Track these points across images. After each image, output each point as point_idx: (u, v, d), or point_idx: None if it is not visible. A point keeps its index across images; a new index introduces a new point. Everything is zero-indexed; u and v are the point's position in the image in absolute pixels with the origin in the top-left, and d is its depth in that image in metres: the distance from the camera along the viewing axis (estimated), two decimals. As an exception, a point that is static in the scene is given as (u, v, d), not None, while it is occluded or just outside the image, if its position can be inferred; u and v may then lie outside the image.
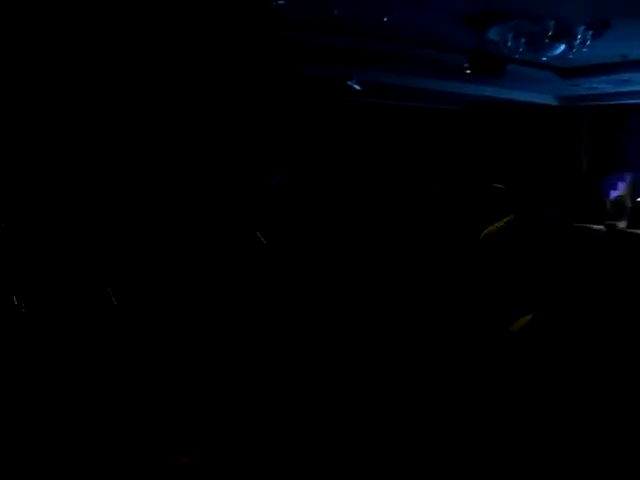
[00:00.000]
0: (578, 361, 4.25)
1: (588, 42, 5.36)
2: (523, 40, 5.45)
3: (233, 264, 5.94)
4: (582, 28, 5.23)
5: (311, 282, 5.74)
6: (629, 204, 8.18)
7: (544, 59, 6.02)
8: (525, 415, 3.74)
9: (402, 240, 6.87)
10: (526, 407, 3.81)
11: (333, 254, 6.41)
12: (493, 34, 5.48)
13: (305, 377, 4.21)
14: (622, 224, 7.86)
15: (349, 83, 6.61)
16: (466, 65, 5.93)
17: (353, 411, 3.85)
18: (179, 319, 4.92)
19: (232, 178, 6.83)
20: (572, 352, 4.36)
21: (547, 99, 8.45)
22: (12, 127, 5.82)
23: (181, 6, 4.82)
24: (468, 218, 7.41)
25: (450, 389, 4.09)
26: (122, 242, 5.80)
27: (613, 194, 8.37)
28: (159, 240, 5.97)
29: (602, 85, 7.29)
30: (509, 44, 5.49)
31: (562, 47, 5.37)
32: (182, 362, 4.30)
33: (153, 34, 5.29)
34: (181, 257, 5.85)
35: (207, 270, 5.76)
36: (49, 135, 6.03)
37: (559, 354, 4.36)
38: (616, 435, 3.50)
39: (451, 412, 3.86)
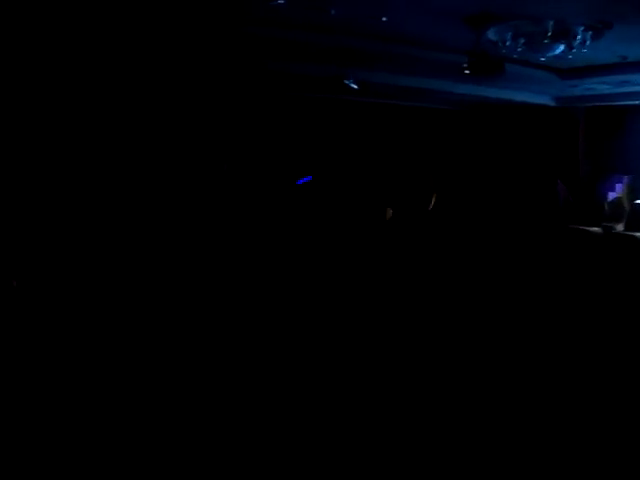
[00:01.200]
0: (576, 363, 4.23)
1: (588, 43, 5.33)
2: (522, 40, 5.43)
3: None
4: (581, 29, 5.20)
5: (312, 281, 5.70)
6: (627, 206, 8.14)
7: (543, 59, 5.99)
8: (522, 413, 3.73)
9: (400, 239, 6.84)
10: (523, 405, 3.80)
11: (330, 253, 6.37)
12: (492, 34, 5.46)
13: (305, 377, 4.17)
14: (620, 226, 7.82)
15: (346, 82, 6.58)
16: (465, 65, 5.89)
17: (353, 411, 3.82)
18: (179, 314, 4.87)
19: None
20: (569, 354, 4.34)
21: (545, 99, 8.43)
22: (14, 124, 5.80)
23: (180, 5, 4.79)
24: (466, 217, 7.38)
25: (446, 384, 4.08)
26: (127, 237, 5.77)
27: (611, 196, 8.33)
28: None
29: (601, 86, 7.26)
30: (508, 44, 5.46)
31: (561, 48, 5.34)
32: (181, 361, 4.25)
33: (152, 35, 5.26)
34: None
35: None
36: (51, 133, 6.01)
37: (557, 355, 4.35)
38: (612, 434, 3.50)
39: (447, 407, 3.85)
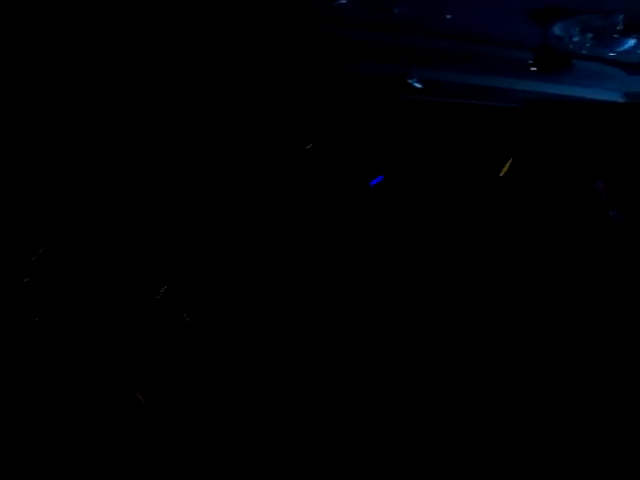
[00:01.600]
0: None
1: (659, 36, 5.19)
2: (590, 35, 5.33)
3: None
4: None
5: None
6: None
7: (612, 55, 5.86)
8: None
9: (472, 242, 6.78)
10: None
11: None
12: (558, 29, 5.37)
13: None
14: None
15: (410, 81, 6.57)
16: (531, 62, 5.82)
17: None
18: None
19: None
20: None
21: (613, 96, 8.21)
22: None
23: (242, 5, 4.88)
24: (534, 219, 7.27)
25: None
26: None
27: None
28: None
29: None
30: (575, 39, 5.37)
31: (632, 42, 5.22)
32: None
33: (219, 37, 5.36)
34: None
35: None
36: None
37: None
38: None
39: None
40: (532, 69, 5.83)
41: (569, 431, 3.71)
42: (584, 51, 5.67)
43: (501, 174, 7.23)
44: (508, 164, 7.31)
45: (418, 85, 6.55)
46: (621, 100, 8.43)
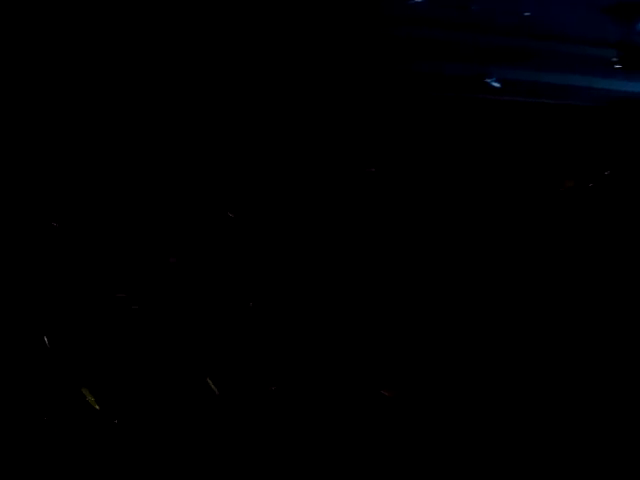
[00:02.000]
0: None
1: None
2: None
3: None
4: None
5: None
6: None
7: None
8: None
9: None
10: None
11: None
12: (644, 25, 5.17)
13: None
14: None
15: (488, 81, 6.48)
16: (615, 59, 5.62)
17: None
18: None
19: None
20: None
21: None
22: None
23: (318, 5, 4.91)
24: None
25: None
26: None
27: None
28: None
29: None
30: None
31: None
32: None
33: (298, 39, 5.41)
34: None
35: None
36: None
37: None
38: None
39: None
40: (616, 67, 5.63)
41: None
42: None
43: (564, 188, 7.01)
44: (571, 181, 7.09)
45: (496, 84, 6.44)
46: None
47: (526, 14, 4.69)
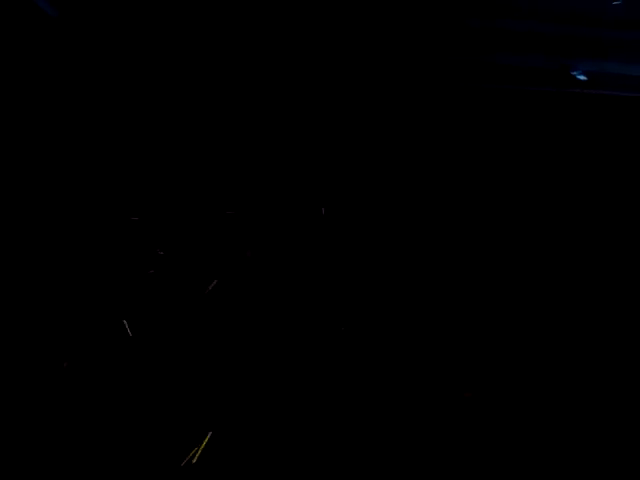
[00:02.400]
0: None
1: None
2: None
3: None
4: None
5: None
6: None
7: None
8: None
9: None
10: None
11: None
12: None
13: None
14: None
15: (573, 74, 6.27)
16: None
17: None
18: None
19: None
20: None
21: None
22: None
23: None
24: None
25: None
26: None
27: None
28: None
29: None
30: None
31: None
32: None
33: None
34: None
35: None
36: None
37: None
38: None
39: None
40: None
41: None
42: None
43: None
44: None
45: (582, 77, 6.22)
46: None
47: (616, 3, 4.50)
